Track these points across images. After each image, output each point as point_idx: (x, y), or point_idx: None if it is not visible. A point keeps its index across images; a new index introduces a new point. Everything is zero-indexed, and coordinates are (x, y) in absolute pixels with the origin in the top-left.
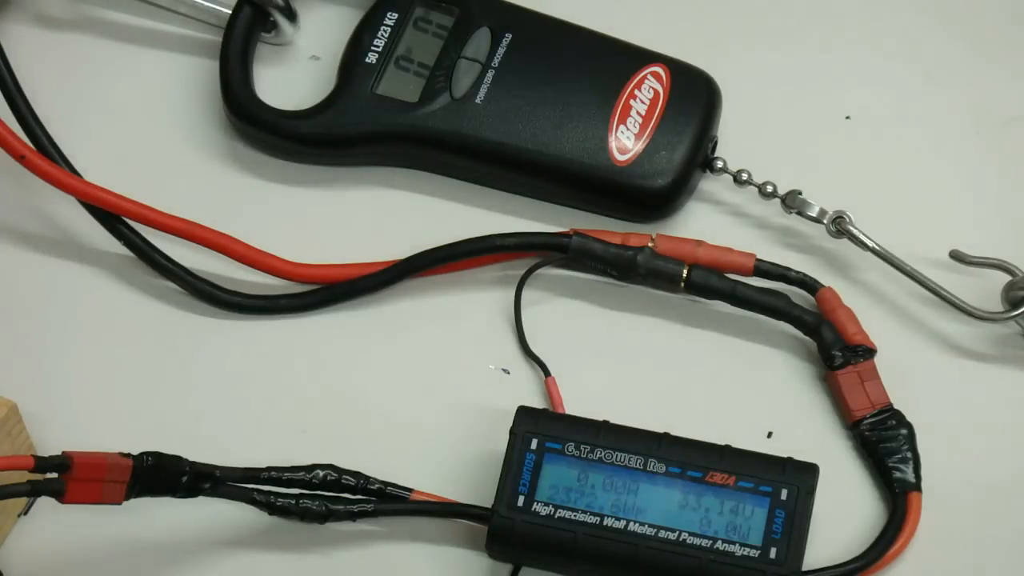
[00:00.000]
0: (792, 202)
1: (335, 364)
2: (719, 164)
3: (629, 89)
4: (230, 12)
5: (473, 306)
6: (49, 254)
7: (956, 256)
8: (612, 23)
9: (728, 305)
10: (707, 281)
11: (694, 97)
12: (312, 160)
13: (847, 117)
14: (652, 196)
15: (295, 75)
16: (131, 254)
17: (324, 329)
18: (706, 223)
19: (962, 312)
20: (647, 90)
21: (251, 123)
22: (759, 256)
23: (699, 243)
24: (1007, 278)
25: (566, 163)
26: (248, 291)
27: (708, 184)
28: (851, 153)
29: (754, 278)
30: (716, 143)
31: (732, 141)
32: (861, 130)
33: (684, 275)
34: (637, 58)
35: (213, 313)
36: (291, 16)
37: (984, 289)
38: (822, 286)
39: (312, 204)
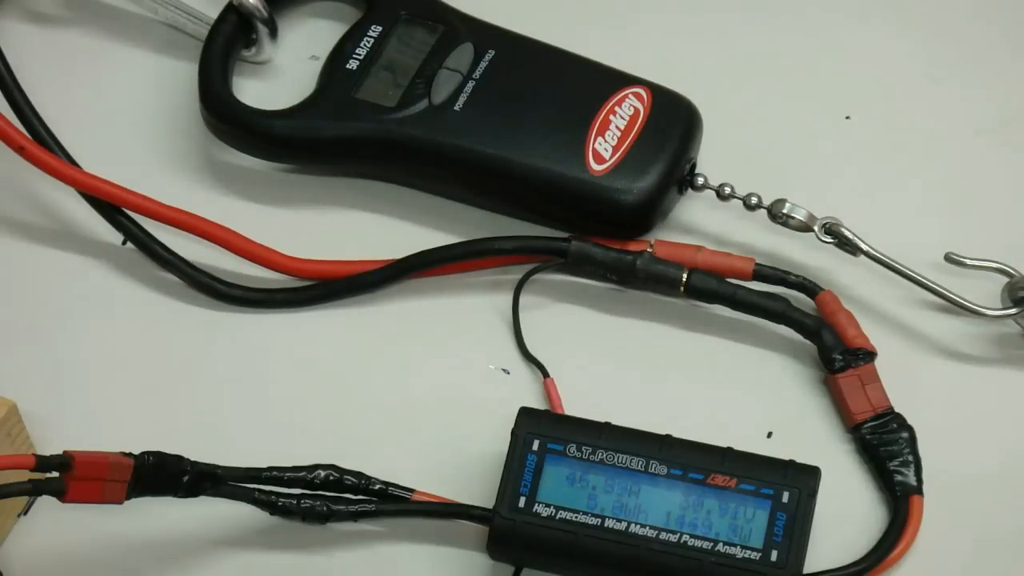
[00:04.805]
0: (779, 212)
1: (336, 363)
2: (700, 181)
3: (610, 105)
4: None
5: (473, 308)
6: (48, 247)
7: (952, 259)
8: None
9: (728, 309)
10: (707, 285)
11: (674, 118)
12: (287, 160)
13: (847, 117)
14: (624, 210)
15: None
16: (131, 245)
17: (324, 327)
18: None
19: (968, 312)
20: (627, 107)
21: (226, 121)
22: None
23: (698, 248)
24: (1002, 280)
25: (541, 172)
26: (247, 284)
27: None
28: (844, 155)
29: (753, 282)
30: (695, 165)
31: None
32: (857, 131)
33: (684, 279)
34: (620, 80)
35: (213, 306)
36: (273, 31)
37: (979, 290)
38: (822, 289)
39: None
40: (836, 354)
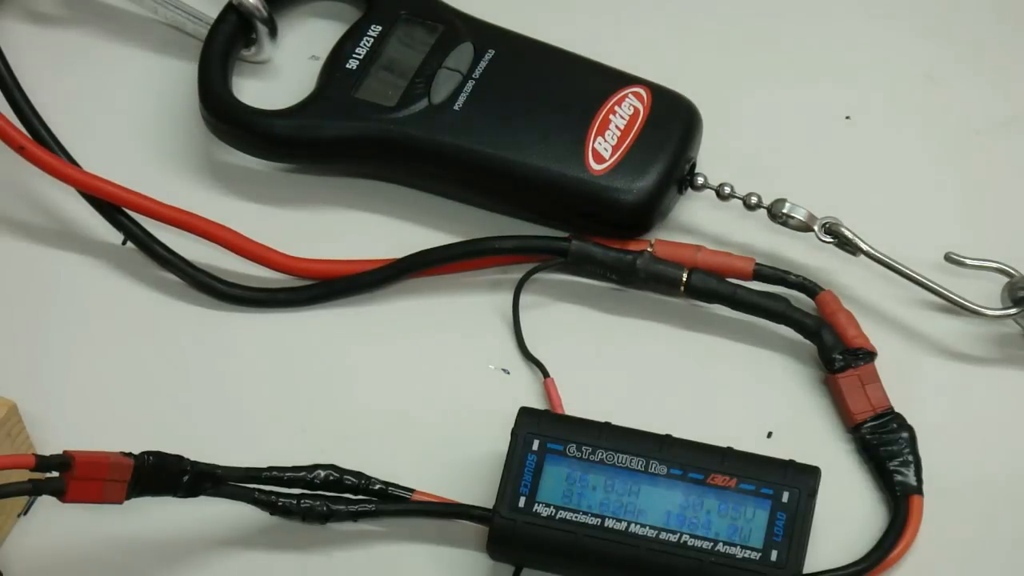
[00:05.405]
0: (779, 211)
1: (336, 362)
2: (700, 180)
3: (610, 105)
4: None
5: (473, 308)
6: (48, 246)
7: (952, 259)
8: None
9: (728, 309)
10: (707, 285)
11: (673, 118)
12: (287, 160)
13: (847, 117)
14: (624, 209)
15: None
16: (131, 245)
17: (324, 326)
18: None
19: (968, 312)
20: (627, 107)
21: (226, 121)
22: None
23: (698, 248)
24: (1002, 280)
25: (541, 171)
26: (246, 284)
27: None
28: (844, 155)
29: (753, 282)
30: (694, 164)
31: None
32: (857, 131)
33: (684, 279)
34: (620, 80)
35: (212, 305)
36: (273, 31)
37: (979, 290)
38: (822, 289)
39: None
40: (836, 354)
